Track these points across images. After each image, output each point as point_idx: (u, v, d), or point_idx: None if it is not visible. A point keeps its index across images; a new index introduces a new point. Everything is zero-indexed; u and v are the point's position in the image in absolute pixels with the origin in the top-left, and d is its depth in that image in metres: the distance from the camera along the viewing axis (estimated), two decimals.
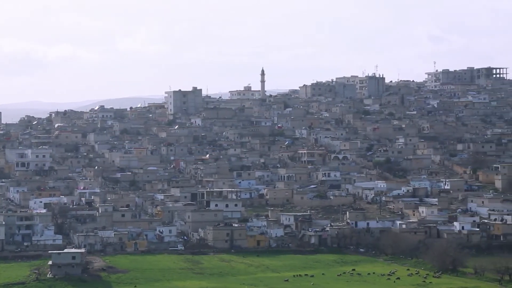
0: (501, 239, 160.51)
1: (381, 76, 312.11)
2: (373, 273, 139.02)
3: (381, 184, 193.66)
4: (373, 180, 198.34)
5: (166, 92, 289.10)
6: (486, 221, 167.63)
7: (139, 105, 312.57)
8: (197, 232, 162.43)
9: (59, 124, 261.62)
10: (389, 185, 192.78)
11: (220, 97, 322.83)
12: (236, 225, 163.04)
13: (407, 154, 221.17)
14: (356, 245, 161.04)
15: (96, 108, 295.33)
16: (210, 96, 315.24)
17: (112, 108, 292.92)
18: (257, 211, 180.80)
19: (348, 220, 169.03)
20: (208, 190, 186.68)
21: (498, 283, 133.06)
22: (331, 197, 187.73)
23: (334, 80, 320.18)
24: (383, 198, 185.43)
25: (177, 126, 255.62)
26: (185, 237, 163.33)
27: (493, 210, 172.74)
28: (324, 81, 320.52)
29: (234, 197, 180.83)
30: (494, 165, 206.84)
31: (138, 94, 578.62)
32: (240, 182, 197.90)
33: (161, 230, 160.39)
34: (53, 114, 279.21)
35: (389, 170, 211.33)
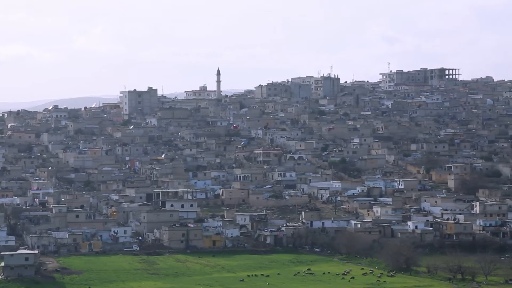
0: (454, 238, 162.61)
1: (336, 77, 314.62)
2: (328, 272, 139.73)
3: (336, 184, 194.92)
4: (328, 180, 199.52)
5: (121, 92, 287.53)
6: (439, 220, 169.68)
7: (93, 105, 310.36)
8: (153, 233, 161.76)
9: (12, 124, 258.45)
10: (344, 185, 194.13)
11: (175, 97, 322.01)
12: (191, 225, 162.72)
13: (361, 154, 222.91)
14: (312, 244, 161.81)
15: (50, 108, 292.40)
16: (165, 96, 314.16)
17: (66, 108, 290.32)
18: (212, 211, 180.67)
19: (304, 220, 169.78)
20: (163, 190, 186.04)
21: (449, 281, 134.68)
22: (287, 197, 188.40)
23: (290, 80, 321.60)
24: (338, 198, 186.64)
25: (132, 126, 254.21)
26: (140, 238, 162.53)
27: (446, 210, 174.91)
28: (279, 81, 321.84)
29: (189, 197, 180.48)
30: (447, 165, 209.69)
31: (92, 94, 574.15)
32: (195, 182, 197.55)
33: (116, 231, 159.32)
34: (6, 114, 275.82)
35: (344, 170, 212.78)
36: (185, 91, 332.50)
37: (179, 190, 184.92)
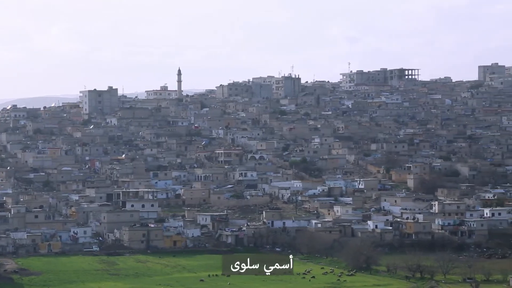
0: (413, 237, 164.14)
1: (297, 77, 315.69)
2: (289, 272, 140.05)
3: (297, 184, 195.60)
4: (289, 179, 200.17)
5: (81, 92, 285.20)
6: (398, 219, 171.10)
7: (53, 105, 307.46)
8: (113, 233, 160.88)
9: None
10: (305, 184, 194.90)
11: (136, 97, 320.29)
12: (152, 225, 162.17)
13: (322, 154, 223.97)
14: (272, 244, 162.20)
15: (8, 108, 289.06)
16: (126, 96, 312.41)
17: (25, 107, 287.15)
18: (173, 211, 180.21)
19: (265, 220, 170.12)
20: (124, 190, 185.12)
21: (407, 280, 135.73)
22: (248, 196, 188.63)
23: (251, 80, 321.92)
24: (299, 198, 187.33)
25: (92, 126, 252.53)
26: (101, 238, 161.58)
27: (406, 209, 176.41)
28: (240, 81, 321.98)
29: (150, 197, 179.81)
30: (407, 165, 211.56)
31: (52, 93, 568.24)
32: (156, 182, 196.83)
33: (75, 231, 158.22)
34: None
35: (305, 169, 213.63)
36: (145, 91, 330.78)
37: (139, 190, 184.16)
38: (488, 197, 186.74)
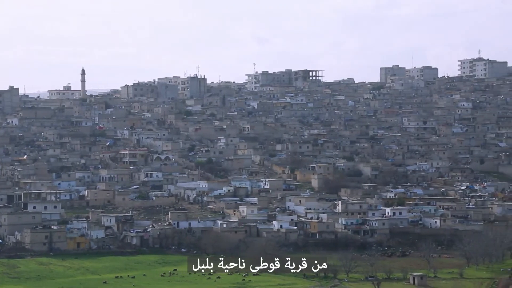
0: (317, 236, 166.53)
1: (202, 77, 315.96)
2: (195, 272, 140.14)
3: (202, 184, 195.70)
4: (195, 180, 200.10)
5: None
6: (303, 219, 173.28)
7: None
8: (14, 235, 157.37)
9: None
10: (210, 185, 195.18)
11: (38, 97, 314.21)
12: (55, 227, 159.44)
13: (228, 154, 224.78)
14: (178, 245, 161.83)
15: None
16: (27, 96, 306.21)
17: None
18: (77, 213, 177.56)
19: (170, 221, 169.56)
20: (25, 192, 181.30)
21: (305, 279, 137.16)
22: (153, 197, 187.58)
23: (156, 80, 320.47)
24: (205, 198, 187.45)
25: None
26: (1, 241, 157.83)
27: (310, 209, 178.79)
28: (146, 81, 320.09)
29: (53, 198, 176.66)
30: (311, 165, 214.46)
31: None
32: (59, 184, 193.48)
33: None
34: None
35: (210, 170, 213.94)
36: (48, 91, 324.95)
37: (42, 191, 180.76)
38: (390, 196, 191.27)
